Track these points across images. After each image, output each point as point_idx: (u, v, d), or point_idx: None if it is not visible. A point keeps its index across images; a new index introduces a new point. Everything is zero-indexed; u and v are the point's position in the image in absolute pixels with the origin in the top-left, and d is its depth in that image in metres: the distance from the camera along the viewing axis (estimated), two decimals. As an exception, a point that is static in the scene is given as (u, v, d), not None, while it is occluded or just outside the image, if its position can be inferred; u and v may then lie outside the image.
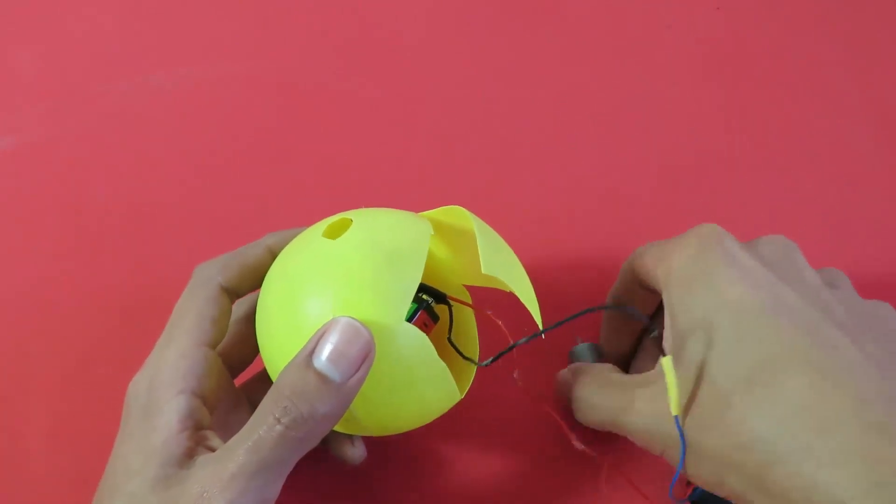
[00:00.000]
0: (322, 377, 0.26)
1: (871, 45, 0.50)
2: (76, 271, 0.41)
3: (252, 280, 0.32)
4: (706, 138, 0.47)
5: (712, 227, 0.31)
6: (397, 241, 0.29)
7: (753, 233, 0.45)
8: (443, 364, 0.29)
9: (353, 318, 0.27)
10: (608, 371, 0.34)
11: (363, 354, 0.26)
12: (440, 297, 0.32)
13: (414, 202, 0.44)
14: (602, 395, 0.32)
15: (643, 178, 0.45)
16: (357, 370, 0.26)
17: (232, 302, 0.32)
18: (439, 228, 0.33)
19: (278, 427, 0.26)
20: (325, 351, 0.26)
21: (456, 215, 0.32)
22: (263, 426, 0.26)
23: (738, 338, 0.27)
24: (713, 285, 0.28)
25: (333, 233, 0.30)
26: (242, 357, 0.33)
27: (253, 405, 0.30)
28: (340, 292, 0.28)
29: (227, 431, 0.28)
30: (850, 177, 0.46)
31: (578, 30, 0.49)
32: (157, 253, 0.41)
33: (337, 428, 0.29)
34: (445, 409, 0.31)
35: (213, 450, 0.27)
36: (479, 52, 0.48)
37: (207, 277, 0.31)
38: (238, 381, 0.34)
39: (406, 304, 0.28)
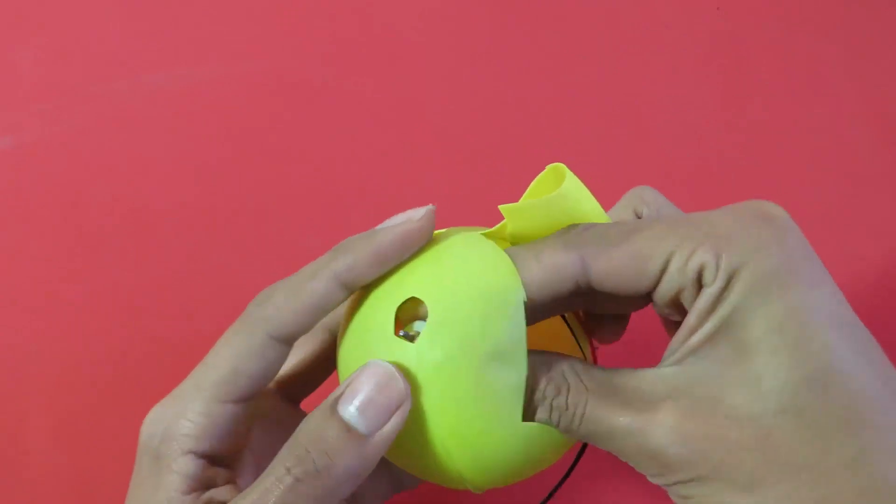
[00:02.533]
0: (345, 426, 0.23)
1: (872, 45, 0.50)
2: (75, 271, 0.41)
3: (315, 320, 0.26)
4: (706, 138, 0.47)
5: (783, 213, 0.25)
6: (490, 333, 0.24)
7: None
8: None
9: (388, 364, 0.24)
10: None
11: (395, 405, 0.23)
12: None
13: (414, 201, 0.44)
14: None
15: (642, 178, 0.45)
16: (387, 422, 0.23)
17: (290, 344, 0.27)
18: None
19: (287, 478, 0.23)
20: (353, 398, 0.23)
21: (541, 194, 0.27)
22: (272, 477, 0.23)
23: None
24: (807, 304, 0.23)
25: (405, 314, 0.26)
26: (310, 381, 0.31)
27: None
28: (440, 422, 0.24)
29: None
30: (850, 177, 0.46)
31: (577, 29, 0.49)
32: (156, 252, 0.41)
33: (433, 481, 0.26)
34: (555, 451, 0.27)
35: None
36: (478, 52, 0.48)
37: (256, 320, 0.26)
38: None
39: (518, 407, 0.24)
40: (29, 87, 0.46)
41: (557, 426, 0.25)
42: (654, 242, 0.24)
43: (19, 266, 0.41)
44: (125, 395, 0.38)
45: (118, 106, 0.45)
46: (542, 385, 0.25)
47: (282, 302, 0.26)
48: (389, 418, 0.23)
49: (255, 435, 0.28)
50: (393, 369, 0.24)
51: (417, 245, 0.26)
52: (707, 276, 0.23)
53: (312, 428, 0.23)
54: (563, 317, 0.28)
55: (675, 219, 0.24)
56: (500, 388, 0.24)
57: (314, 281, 0.26)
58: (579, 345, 0.29)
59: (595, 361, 0.29)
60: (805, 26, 0.50)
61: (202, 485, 0.25)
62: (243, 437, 0.27)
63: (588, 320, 0.29)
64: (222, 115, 0.45)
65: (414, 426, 0.25)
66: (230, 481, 0.26)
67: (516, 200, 0.44)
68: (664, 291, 0.24)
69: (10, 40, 0.47)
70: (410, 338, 0.24)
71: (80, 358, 0.39)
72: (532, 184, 0.28)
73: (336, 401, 0.24)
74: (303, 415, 0.29)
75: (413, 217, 0.26)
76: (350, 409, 0.23)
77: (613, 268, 0.24)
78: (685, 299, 0.24)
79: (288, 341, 0.26)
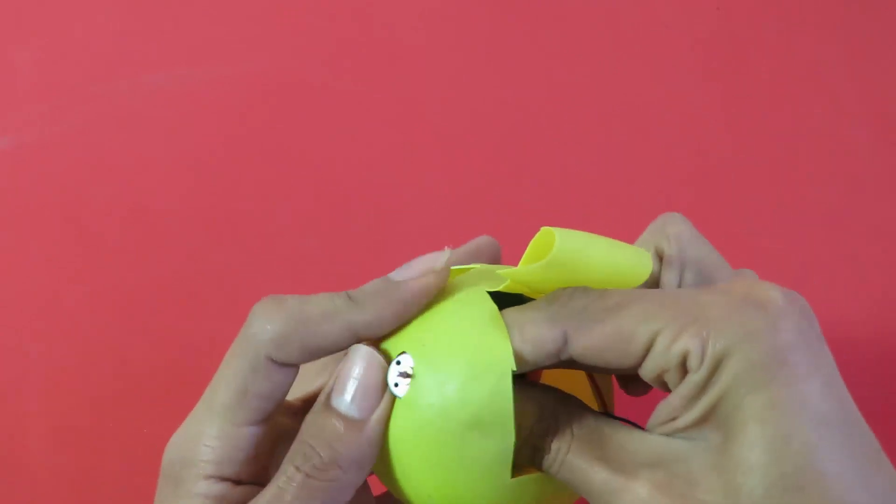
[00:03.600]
0: (341, 416, 0.24)
1: (871, 45, 0.50)
2: (75, 271, 0.41)
3: (319, 357, 0.26)
4: (706, 138, 0.46)
5: (778, 296, 0.23)
6: (469, 402, 0.23)
7: (753, 232, 0.45)
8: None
9: (368, 347, 0.24)
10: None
11: (381, 387, 0.24)
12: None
13: (415, 201, 0.44)
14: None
15: (642, 178, 0.45)
16: (379, 402, 0.24)
17: (296, 367, 0.26)
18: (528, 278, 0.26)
19: (298, 476, 0.23)
20: (343, 389, 0.24)
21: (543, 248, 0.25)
22: (283, 477, 0.24)
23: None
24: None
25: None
26: None
27: None
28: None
29: None
30: (850, 177, 0.46)
31: (577, 30, 0.49)
32: (156, 252, 0.41)
33: None
34: None
35: None
36: (478, 52, 0.48)
37: (258, 344, 0.25)
38: None
39: (506, 471, 0.24)
40: (29, 87, 0.46)
41: (540, 467, 0.24)
42: (638, 321, 0.23)
43: (19, 266, 0.41)
44: (125, 395, 0.38)
45: (118, 106, 0.45)
46: (531, 422, 0.24)
47: (288, 330, 0.25)
48: (381, 398, 0.24)
49: (282, 454, 0.27)
50: (373, 351, 0.24)
51: (434, 294, 0.25)
52: (692, 362, 0.22)
53: (312, 424, 0.24)
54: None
55: (664, 296, 0.23)
56: (483, 456, 0.23)
57: (328, 325, 0.25)
58: (598, 389, 0.28)
59: (610, 407, 0.28)
60: (805, 26, 0.50)
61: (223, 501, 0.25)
62: (267, 457, 0.27)
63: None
64: (222, 115, 0.45)
65: (402, 472, 0.25)
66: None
67: (515, 199, 0.44)
68: (648, 370, 0.23)
69: (10, 40, 0.47)
70: (405, 374, 0.24)
71: (81, 358, 0.39)
72: (530, 244, 0.26)
73: (328, 395, 0.24)
74: None
75: (434, 267, 0.25)
76: (343, 399, 0.24)
77: (595, 345, 0.23)
78: (669, 380, 0.23)
79: (293, 367, 0.26)
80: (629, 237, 0.42)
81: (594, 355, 0.23)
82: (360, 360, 0.24)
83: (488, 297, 0.25)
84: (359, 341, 0.25)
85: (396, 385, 0.24)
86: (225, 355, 0.26)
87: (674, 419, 0.23)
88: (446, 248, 0.26)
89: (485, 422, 0.23)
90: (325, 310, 0.25)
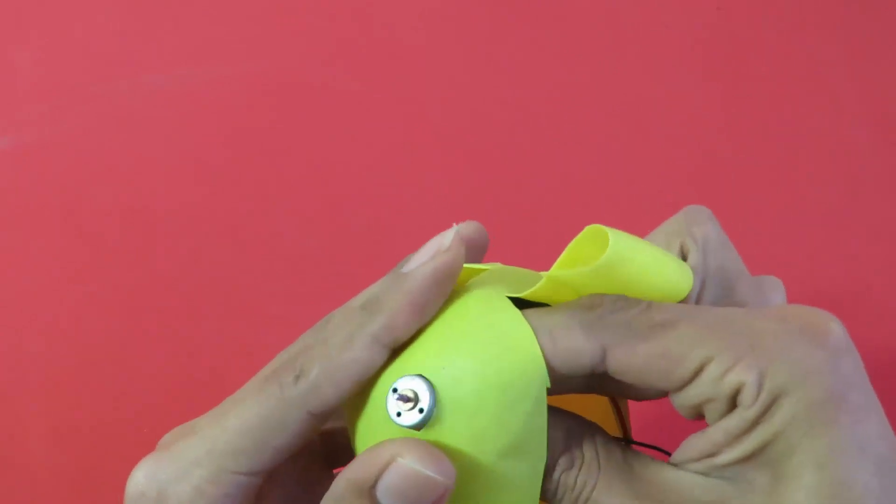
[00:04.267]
0: None
1: (872, 45, 0.50)
2: (75, 270, 0.41)
3: (358, 388, 0.23)
4: (706, 138, 0.46)
5: (839, 330, 0.21)
6: (507, 427, 0.21)
7: (753, 232, 0.45)
8: None
9: (425, 460, 0.20)
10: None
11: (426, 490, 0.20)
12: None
13: (415, 201, 0.44)
14: None
15: (643, 178, 0.45)
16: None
17: (329, 417, 0.23)
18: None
19: None
20: (388, 493, 0.20)
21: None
22: None
23: None
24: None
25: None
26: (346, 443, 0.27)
27: None
28: None
29: None
30: (850, 177, 0.46)
31: (577, 30, 0.49)
32: (156, 253, 0.41)
33: None
34: None
35: None
36: (478, 53, 0.48)
37: (292, 399, 0.22)
38: None
39: (536, 492, 0.22)
40: (29, 87, 0.46)
41: (558, 498, 0.22)
42: (689, 344, 0.21)
43: (19, 266, 0.41)
44: (125, 395, 0.38)
45: (118, 106, 0.45)
46: (557, 453, 0.22)
47: (321, 378, 0.22)
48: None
49: (274, 496, 0.25)
50: (430, 473, 0.20)
51: (454, 278, 0.23)
52: (745, 397, 0.20)
53: None
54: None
55: (715, 317, 0.21)
56: (516, 478, 0.22)
57: (352, 350, 0.22)
58: (619, 413, 0.26)
59: (629, 431, 0.27)
60: (805, 26, 0.50)
61: None
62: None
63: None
64: (222, 115, 0.45)
65: None
66: None
67: (514, 199, 0.44)
68: (689, 397, 0.21)
69: (10, 40, 0.47)
70: (406, 399, 0.21)
71: (81, 358, 0.39)
72: (571, 244, 0.24)
73: (371, 489, 0.20)
74: (330, 477, 0.27)
75: (442, 246, 0.22)
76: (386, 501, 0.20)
77: (637, 364, 0.21)
78: (710, 410, 0.21)
79: (328, 416, 0.23)
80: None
81: (633, 374, 0.21)
82: (409, 480, 0.20)
83: (511, 304, 0.22)
84: (389, 351, 0.22)
85: (399, 415, 0.21)
86: (243, 394, 0.23)
87: (713, 455, 0.21)
88: (454, 224, 0.23)
89: (522, 445, 0.21)
90: (346, 333, 0.22)
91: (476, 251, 0.25)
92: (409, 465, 0.20)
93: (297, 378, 0.22)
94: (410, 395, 0.21)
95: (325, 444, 0.27)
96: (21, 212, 0.42)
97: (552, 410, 0.22)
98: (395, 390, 0.21)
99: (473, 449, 0.21)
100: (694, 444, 0.21)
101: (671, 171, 0.45)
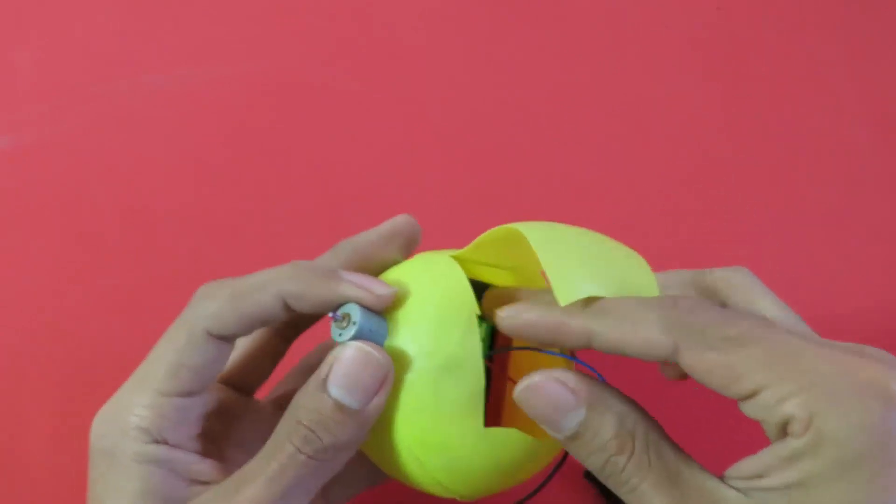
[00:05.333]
0: (339, 405, 0.25)
1: (872, 45, 0.50)
2: (76, 271, 0.41)
3: (254, 328, 0.28)
4: (706, 138, 0.47)
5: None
6: (441, 346, 0.26)
7: (754, 232, 0.45)
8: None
9: (365, 344, 0.25)
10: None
11: (379, 380, 0.25)
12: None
13: (414, 201, 0.44)
14: None
15: (643, 178, 0.45)
16: (375, 395, 0.25)
17: (231, 342, 0.28)
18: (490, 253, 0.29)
19: (301, 456, 0.25)
20: (340, 378, 0.25)
21: (507, 241, 0.28)
22: (284, 455, 0.25)
23: None
24: None
25: None
26: (260, 374, 0.32)
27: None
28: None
29: (246, 452, 0.28)
30: (850, 176, 0.46)
31: (578, 30, 0.49)
32: (156, 253, 0.41)
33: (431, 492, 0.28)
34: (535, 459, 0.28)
35: (204, 483, 0.27)
36: (478, 53, 0.48)
37: (196, 317, 0.27)
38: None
39: (479, 415, 0.26)
40: (29, 87, 0.46)
41: (602, 478, 0.25)
42: (752, 366, 0.22)
43: (19, 266, 0.41)
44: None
45: (118, 106, 0.45)
46: (605, 433, 0.24)
47: (225, 304, 0.27)
48: (377, 391, 0.25)
49: (207, 424, 0.29)
50: (370, 349, 0.25)
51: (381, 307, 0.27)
52: (795, 429, 0.22)
53: (310, 410, 0.25)
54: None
55: (784, 349, 0.23)
56: (457, 398, 0.25)
57: (261, 293, 0.27)
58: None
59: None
60: (805, 26, 0.50)
61: (168, 471, 0.27)
62: (193, 428, 0.28)
63: None
64: (222, 115, 0.45)
65: (385, 435, 0.26)
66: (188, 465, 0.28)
67: (514, 199, 0.44)
68: (747, 410, 0.23)
69: (10, 40, 0.47)
70: (340, 319, 0.26)
71: (81, 358, 0.39)
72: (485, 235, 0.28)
73: (324, 382, 0.25)
74: (253, 403, 0.31)
75: (373, 289, 0.27)
76: (340, 390, 0.25)
77: (702, 368, 0.23)
78: (766, 429, 0.23)
79: (228, 340, 0.28)
80: (629, 236, 0.42)
81: (698, 375, 0.23)
82: (356, 354, 0.25)
83: (448, 257, 0.27)
84: (292, 313, 0.27)
85: (340, 335, 0.26)
86: (162, 336, 0.28)
87: (761, 476, 0.22)
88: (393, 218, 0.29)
89: (458, 364, 0.25)
90: (262, 279, 0.27)
91: (408, 243, 0.29)
92: (352, 348, 0.25)
93: (204, 301, 0.27)
94: (341, 316, 0.26)
95: (242, 377, 0.31)
96: (21, 212, 0.42)
97: (610, 394, 0.25)
98: (332, 316, 0.26)
99: (418, 363, 0.25)
100: (747, 464, 0.23)
101: (671, 170, 0.45)
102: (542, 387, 0.24)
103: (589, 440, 0.24)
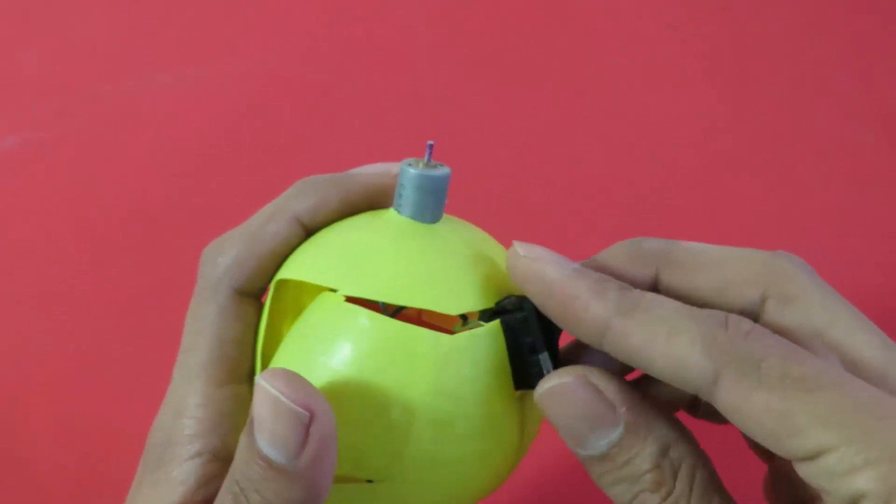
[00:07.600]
0: (265, 458, 0.19)
1: (874, 45, 0.50)
2: (80, 270, 0.41)
3: (277, 265, 0.24)
4: (709, 137, 0.46)
5: None
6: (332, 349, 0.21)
7: (754, 232, 0.45)
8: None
9: (272, 389, 0.19)
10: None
11: (300, 430, 0.19)
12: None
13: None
14: None
15: (643, 178, 0.45)
16: (302, 448, 0.19)
17: (259, 297, 0.24)
18: None
19: None
20: (261, 429, 0.19)
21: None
22: None
23: None
24: None
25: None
26: None
27: None
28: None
29: None
30: (853, 177, 0.46)
31: (580, 30, 0.49)
32: (160, 252, 0.42)
33: None
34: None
35: None
36: (478, 52, 0.48)
37: (217, 280, 0.23)
38: None
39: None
40: (33, 87, 0.46)
41: None
42: (817, 421, 0.17)
43: (23, 265, 0.41)
44: (129, 393, 0.38)
45: (122, 106, 0.46)
46: (642, 463, 0.19)
47: (241, 251, 0.24)
48: (302, 444, 0.19)
49: None
50: (278, 395, 0.19)
51: (384, 201, 0.25)
52: None
53: (240, 461, 0.20)
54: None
55: (865, 403, 0.18)
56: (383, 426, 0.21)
57: (274, 223, 0.24)
58: None
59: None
60: (808, 27, 0.50)
61: (208, 484, 0.23)
62: None
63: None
64: (228, 114, 0.46)
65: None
66: None
67: (515, 200, 0.44)
68: (802, 473, 0.18)
69: (15, 41, 0.47)
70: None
71: (84, 357, 0.39)
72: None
73: (251, 431, 0.20)
74: None
75: (390, 171, 0.25)
76: (262, 442, 0.19)
77: (747, 410, 0.18)
78: (827, 501, 0.18)
79: (257, 294, 0.24)
80: (629, 236, 0.42)
81: (737, 417, 0.18)
82: (266, 400, 0.19)
83: (342, 299, 0.22)
84: (308, 232, 0.24)
85: None
86: (186, 318, 0.24)
87: None
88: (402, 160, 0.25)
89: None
90: (269, 211, 0.24)
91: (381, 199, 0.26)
92: (266, 387, 0.19)
93: (218, 259, 0.24)
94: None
95: None
96: (25, 211, 0.42)
97: (654, 417, 0.20)
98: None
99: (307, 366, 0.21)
100: None
101: (672, 170, 0.45)
102: (571, 392, 0.19)
103: (618, 466, 0.19)
